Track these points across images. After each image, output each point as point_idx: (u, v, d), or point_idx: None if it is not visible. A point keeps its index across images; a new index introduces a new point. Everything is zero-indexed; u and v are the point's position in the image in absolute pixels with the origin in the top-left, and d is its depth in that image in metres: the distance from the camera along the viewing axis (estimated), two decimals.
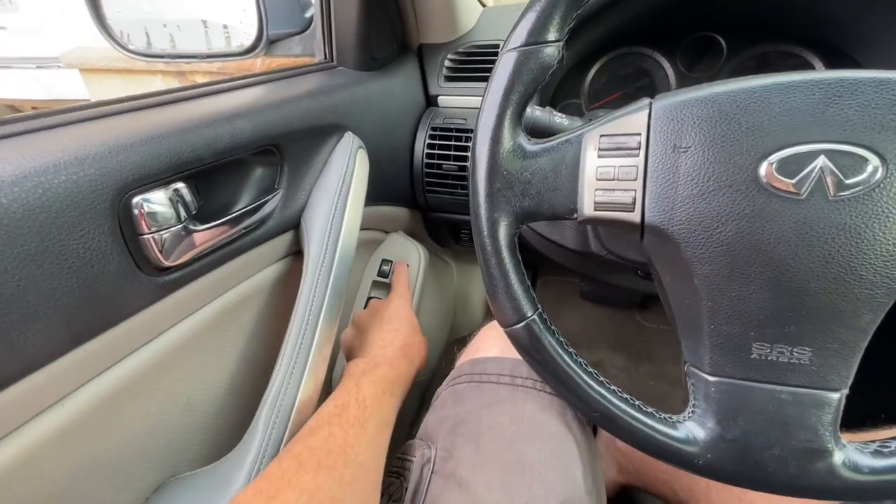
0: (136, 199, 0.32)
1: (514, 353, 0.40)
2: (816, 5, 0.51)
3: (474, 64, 0.69)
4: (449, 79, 0.71)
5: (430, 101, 0.73)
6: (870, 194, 0.28)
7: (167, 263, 0.34)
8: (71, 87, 2.74)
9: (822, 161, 0.28)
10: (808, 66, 0.57)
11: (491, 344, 0.47)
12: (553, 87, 0.65)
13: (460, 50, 0.70)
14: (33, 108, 3.62)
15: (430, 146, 0.69)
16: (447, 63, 0.70)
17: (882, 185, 0.27)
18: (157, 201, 0.33)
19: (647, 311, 1.21)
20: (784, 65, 0.58)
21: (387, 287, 0.72)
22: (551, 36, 0.33)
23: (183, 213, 0.35)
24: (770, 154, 0.29)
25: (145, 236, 0.33)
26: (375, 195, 0.65)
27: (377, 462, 0.39)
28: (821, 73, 0.29)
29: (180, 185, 0.35)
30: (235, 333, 0.46)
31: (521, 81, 0.34)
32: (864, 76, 0.28)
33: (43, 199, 0.27)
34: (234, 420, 0.47)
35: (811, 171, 0.28)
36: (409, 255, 0.75)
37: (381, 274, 0.72)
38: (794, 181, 0.29)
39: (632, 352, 1.17)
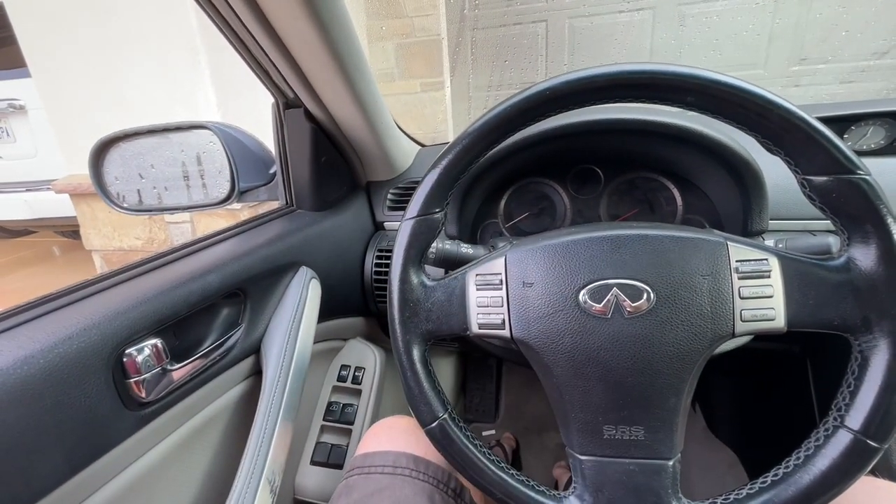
0: (126, 352, 0.42)
1: (397, 447, 0.51)
2: (649, 150, 0.68)
3: (412, 196, 0.85)
4: (392, 208, 0.86)
5: (378, 226, 0.88)
6: (651, 312, 0.40)
7: (147, 399, 0.44)
8: (57, 208, 2.91)
9: (615, 291, 0.41)
10: (666, 189, 0.73)
11: (377, 440, 0.56)
12: (475, 211, 0.80)
13: (400, 185, 0.86)
14: (25, 227, 3.83)
15: (378, 264, 0.82)
16: (390, 196, 0.86)
17: (656, 306, 0.40)
18: (142, 351, 0.43)
19: None
20: (648, 187, 0.75)
21: (346, 391, 0.80)
22: (435, 208, 0.47)
23: (163, 357, 0.45)
24: (583, 287, 0.41)
25: (131, 380, 0.42)
26: (331, 310, 0.76)
27: None
28: (609, 231, 0.43)
29: (161, 336, 0.46)
30: (202, 450, 0.54)
31: (417, 240, 0.47)
32: (634, 233, 0.42)
33: (60, 365, 0.37)
34: None
35: (610, 298, 0.41)
36: (366, 358, 0.84)
37: (340, 379, 0.81)
38: (600, 305, 0.41)
39: None
